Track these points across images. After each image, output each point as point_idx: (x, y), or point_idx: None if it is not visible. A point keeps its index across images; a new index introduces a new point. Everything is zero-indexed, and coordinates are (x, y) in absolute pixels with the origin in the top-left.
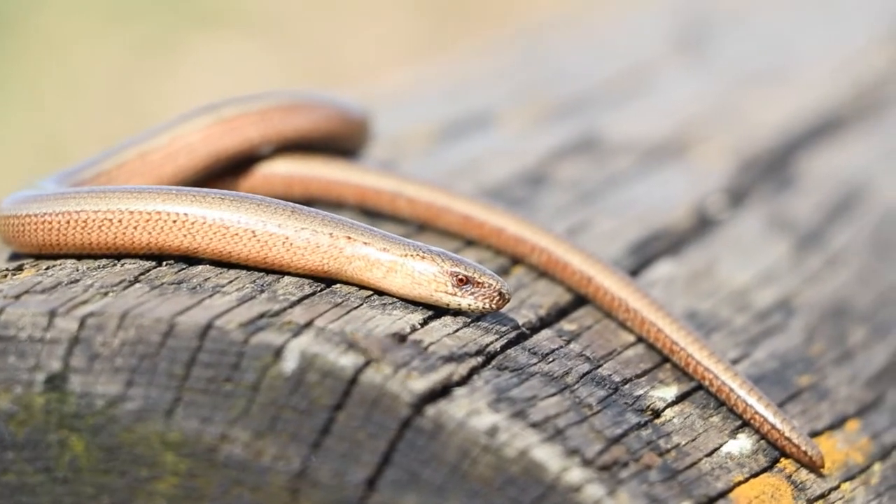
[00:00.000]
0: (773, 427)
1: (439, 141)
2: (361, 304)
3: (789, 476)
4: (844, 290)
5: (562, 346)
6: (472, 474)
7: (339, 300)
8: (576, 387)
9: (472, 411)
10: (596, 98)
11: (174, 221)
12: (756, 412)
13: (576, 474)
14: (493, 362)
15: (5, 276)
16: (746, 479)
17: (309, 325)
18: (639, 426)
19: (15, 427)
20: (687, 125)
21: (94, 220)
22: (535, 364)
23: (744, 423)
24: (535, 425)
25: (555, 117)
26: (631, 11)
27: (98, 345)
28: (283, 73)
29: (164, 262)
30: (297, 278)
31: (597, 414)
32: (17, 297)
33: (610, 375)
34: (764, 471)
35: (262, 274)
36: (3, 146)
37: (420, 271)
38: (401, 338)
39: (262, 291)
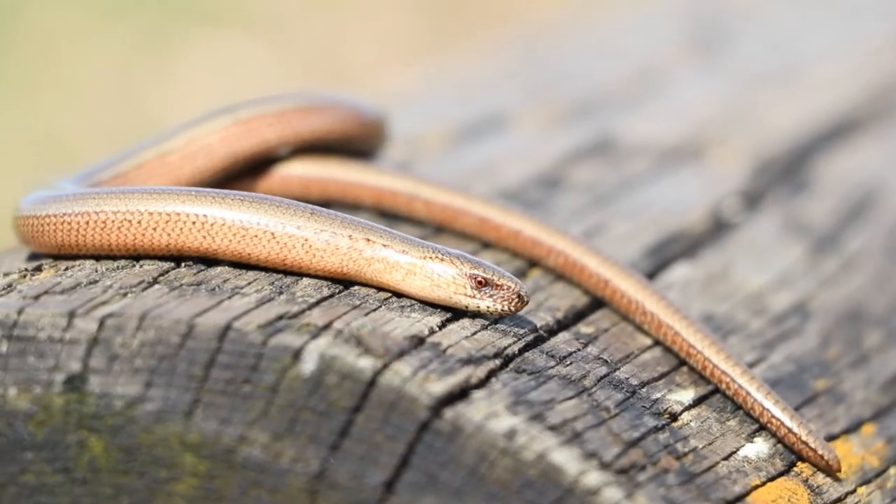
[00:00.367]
0: (790, 431)
1: (454, 142)
2: (380, 307)
3: (806, 480)
4: (859, 293)
5: (579, 349)
6: (490, 477)
7: (358, 302)
8: (593, 390)
9: (491, 414)
10: (609, 99)
11: (193, 223)
12: (773, 416)
13: (594, 477)
14: (511, 365)
15: (24, 276)
16: (763, 483)
17: (328, 326)
18: (656, 429)
19: (34, 427)
20: (701, 127)
21: (113, 221)
22: (552, 367)
23: (761, 426)
24: (552, 428)
25: (569, 119)
26: (641, 12)
27: (117, 346)
28: (283, 72)
29: (183, 264)
30: (316, 280)
31: (614, 417)
32: (37, 297)
33: (627, 379)
34: (781, 474)
35: (280, 275)
36: (2, 144)
37: (439, 273)
38: (419, 340)
39: (280, 293)
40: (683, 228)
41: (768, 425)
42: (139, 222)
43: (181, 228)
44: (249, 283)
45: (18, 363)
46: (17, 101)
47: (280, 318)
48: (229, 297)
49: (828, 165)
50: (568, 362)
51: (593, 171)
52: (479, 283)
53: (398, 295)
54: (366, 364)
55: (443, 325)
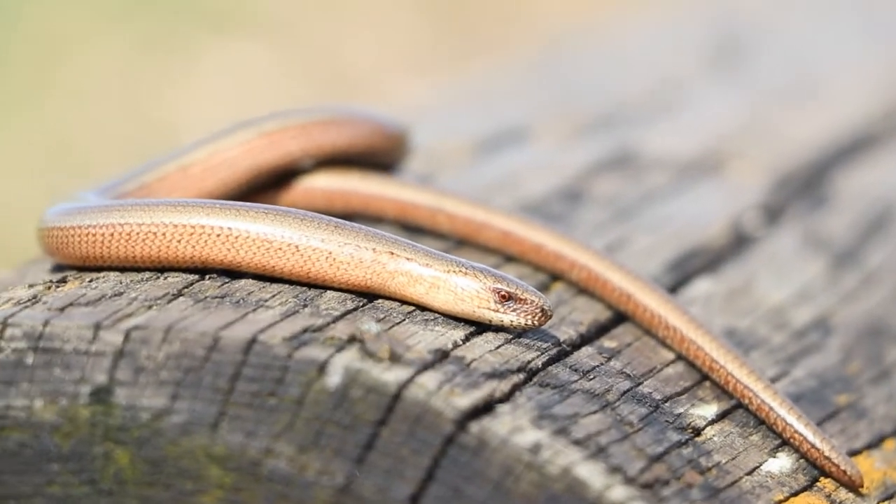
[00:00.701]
0: (813, 446)
1: (474, 155)
2: (404, 320)
3: (828, 495)
4: (880, 309)
5: (602, 364)
6: (515, 491)
7: (382, 315)
8: (617, 404)
9: (515, 428)
10: (629, 113)
11: (218, 235)
12: (796, 431)
13: (619, 492)
14: (535, 379)
15: (49, 287)
16: (787, 498)
17: (352, 340)
18: (680, 444)
19: (60, 439)
20: (721, 141)
21: (138, 233)
22: (576, 381)
23: (783, 441)
24: (577, 442)
25: (589, 132)
26: (659, 25)
27: (143, 358)
28: (290, 77)
29: (207, 276)
30: (340, 293)
31: (638, 432)
32: (62, 309)
33: (650, 393)
34: (804, 489)
35: (304, 288)
36: (11, 149)
37: (463, 287)
38: (443, 354)
39: (305, 306)
40: (704, 243)
41: (791, 440)
42: (164, 234)
43: (206, 241)
44: (274, 296)
45: (44, 375)
46: (27, 106)
47: (305, 331)
48: (254, 310)
49: (847, 180)
50: (591, 376)
51: (614, 185)
52: (503, 297)
53: (422, 308)
54: (390, 378)
55: (466, 339)
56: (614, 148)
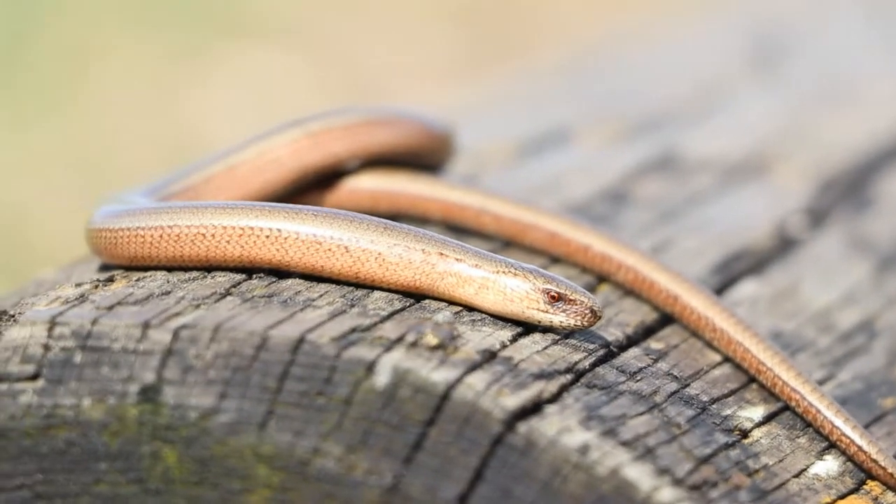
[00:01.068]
0: (860, 449)
1: (519, 157)
2: (451, 321)
3: (876, 498)
4: None
5: (649, 365)
6: (563, 492)
7: (429, 315)
8: (664, 406)
9: (564, 429)
10: (672, 115)
11: (268, 237)
12: (843, 434)
13: (667, 494)
14: (583, 380)
15: (97, 286)
16: (834, 501)
17: (400, 340)
18: (727, 446)
19: (108, 438)
20: (764, 144)
21: (186, 235)
22: (623, 382)
23: (830, 444)
24: (625, 444)
25: (632, 134)
26: (699, 28)
27: (191, 357)
28: (317, 84)
29: (254, 275)
30: (387, 293)
31: (686, 433)
32: (110, 308)
33: (698, 395)
34: (851, 492)
35: (351, 288)
36: (42, 152)
37: (513, 288)
38: (491, 354)
39: (352, 306)
40: (749, 245)
41: (838, 443)
42: (213, 236)
43: (255, 242)
44: (321, 296)
45: (93, 374)
46: (56, 113)
47: (353, 330)
48: (302, 310)
49: (891, 184)
50: (638, 378)
51: (658, 187)
52: (553, 297)
53: (469, 309)
54: (439, 378)
55: (514, 340)
56: (657, 150)
